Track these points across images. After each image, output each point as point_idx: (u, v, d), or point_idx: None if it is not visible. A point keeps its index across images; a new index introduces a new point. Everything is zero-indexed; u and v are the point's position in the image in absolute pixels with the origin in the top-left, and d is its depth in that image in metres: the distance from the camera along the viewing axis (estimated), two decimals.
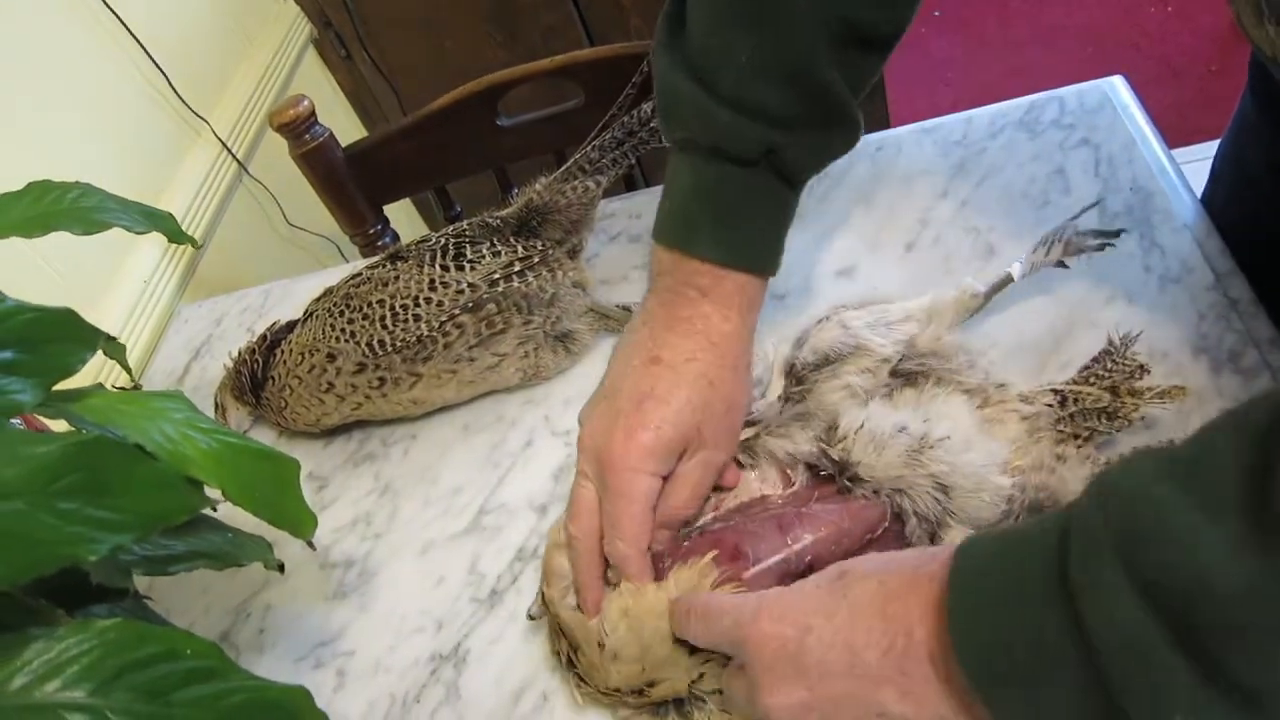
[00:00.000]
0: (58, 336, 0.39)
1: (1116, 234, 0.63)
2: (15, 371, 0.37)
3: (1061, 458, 0.54)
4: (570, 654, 0.56)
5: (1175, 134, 0.74)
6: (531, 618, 0.61)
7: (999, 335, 0.65)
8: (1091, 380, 0.57)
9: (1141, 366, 0.57)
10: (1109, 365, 0.57)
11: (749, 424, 0.60)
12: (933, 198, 0.77)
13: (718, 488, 0.58)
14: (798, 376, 0.60)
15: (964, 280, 0.63)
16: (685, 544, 0.55)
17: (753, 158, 0.56)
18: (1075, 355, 0.63)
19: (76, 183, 0.54)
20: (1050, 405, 0.56)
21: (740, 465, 0.59)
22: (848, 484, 0.55)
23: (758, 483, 0.58)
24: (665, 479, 0.56)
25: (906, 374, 0.60)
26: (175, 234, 0.56)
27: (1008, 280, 0.63)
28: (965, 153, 0.79)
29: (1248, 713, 0.31)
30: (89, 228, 0.51)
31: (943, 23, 2.48)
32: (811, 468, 0.57)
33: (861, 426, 0.55)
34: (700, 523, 0.57)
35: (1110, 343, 0.59)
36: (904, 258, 0.74)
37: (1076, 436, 0.55)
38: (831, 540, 0.53)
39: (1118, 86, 0.80)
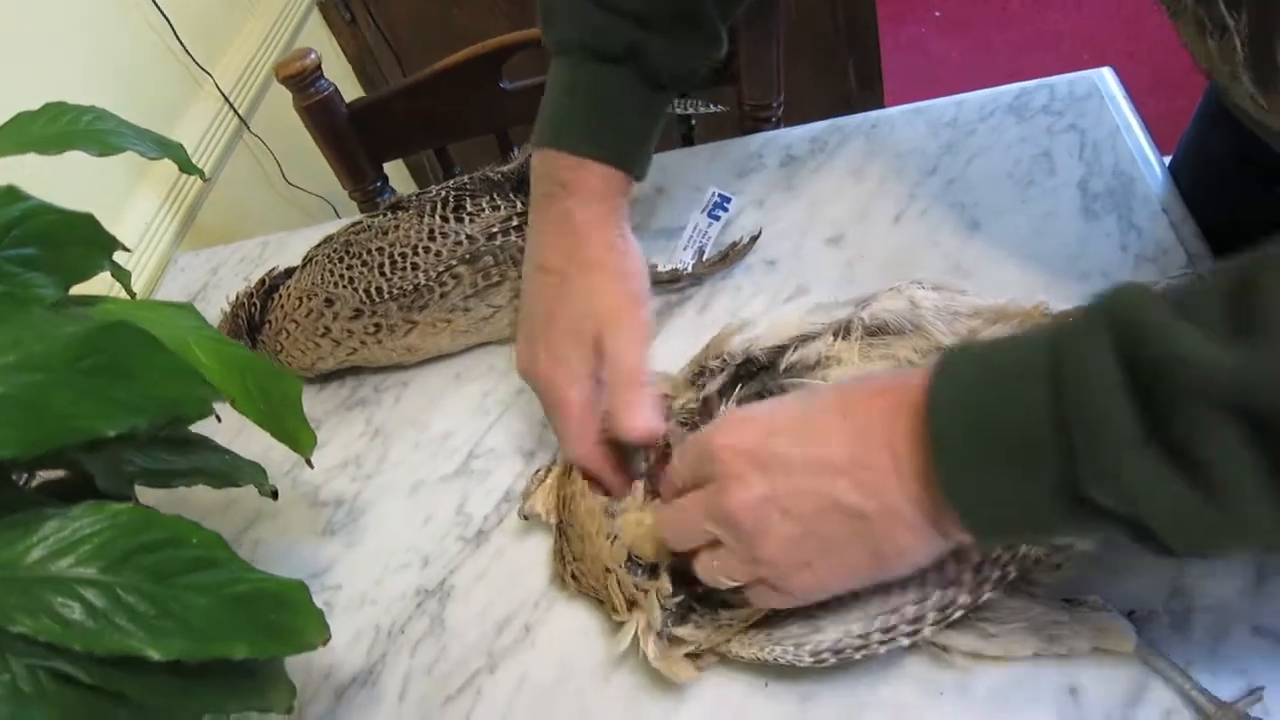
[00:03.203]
0: (78, 239, 0.41)
1: None
2: (37, 268, 0.38)
3: None
4: (567, 545, 0.59)
5: (1167, 143, 0.77)
6: (524, 517, 0.63)
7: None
8: None
9: None
10: None
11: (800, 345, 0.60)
12: (922, 174, 0.79)
13: None
14: (843, 333, 0.59)
15: (1039, 297, 0.60)
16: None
17: (616, 54, 0.60)
18: None
19: (91, 106, 0.55)
20: None
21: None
22: None
23: None
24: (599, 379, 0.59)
25: None
26: (186, 164, 0.58)
27: None
28: (955, 133, 0.82)
29: (1180, 475, 0.34)
30: (104, 149, 0.52)
31: (942, 24, 2.51)
32: None
33: None
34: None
35: None
36: (892, 228, 0.76)
37: None
38: None
39: (1106, 77, 0.82)
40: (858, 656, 0.50)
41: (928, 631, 0.49)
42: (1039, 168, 0.76)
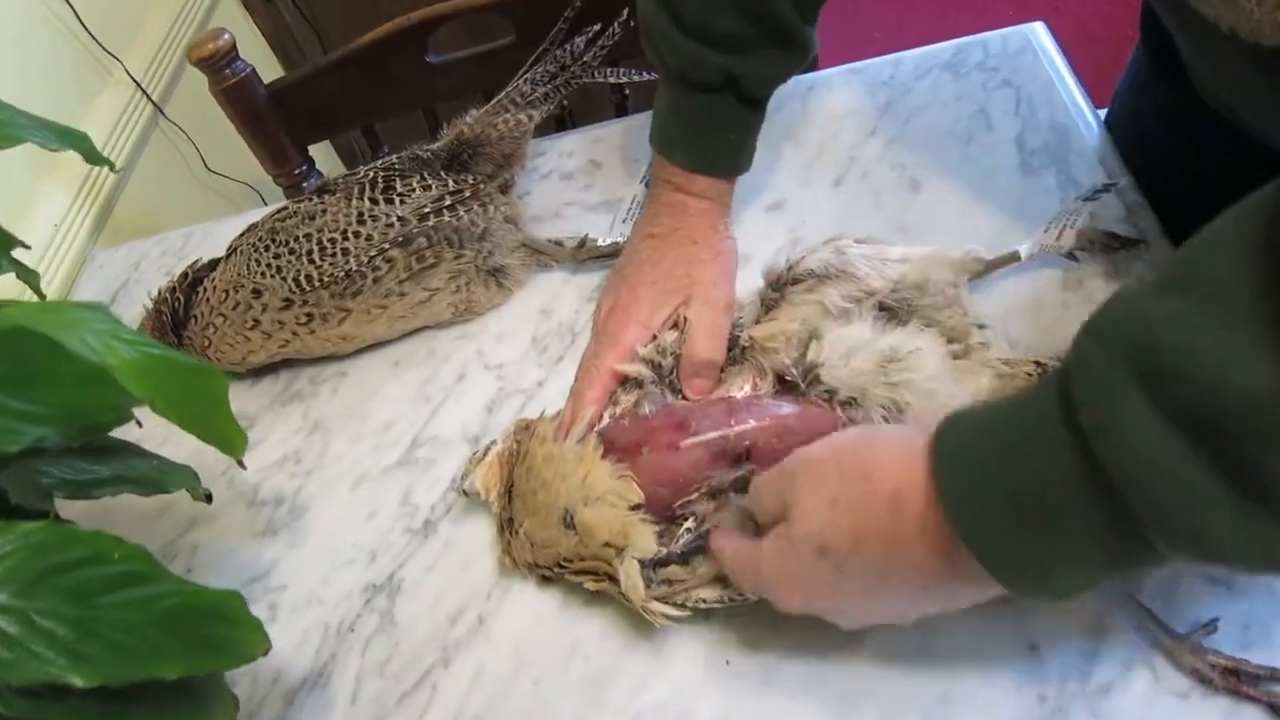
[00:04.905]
0: None
1: (1136, 243, 0.63)
2: None
3: None
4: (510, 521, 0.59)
5: (1095, 97, 0.77)
6: (464, 494, 0.63)
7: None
8: None
9: None
10: None
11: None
12: (861, 135, 0.78)
13: None
14: (776, 287, 0.62)
15: (970, 245, 0.62)
16: (651, 421, 0.56)
17: (714, 85, 0.64)
18: (992, 282, 0.65)
19: None
20: (1030, 375, 0.55)
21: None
22: (805, 389, 0.56)
23: (725, 385, 0.60)
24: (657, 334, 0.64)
25: (893, 308, 0.60)
26: (92, 155, 0.54)
27: (1013, 258, 0.63)
28: (892, 93, 0.81)
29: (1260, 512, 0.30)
30: (0, 142, 0.49)
31: None
32: (780, 378, 0.58)
33: (836, 336, 0.56)
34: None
35: None
36: (833, 193, 0.75)
37: None
38: (773, 432, 0.53)
39: (1039, 32, 0.82)
40: None
41: None
42: (977, 125, 0.76)
